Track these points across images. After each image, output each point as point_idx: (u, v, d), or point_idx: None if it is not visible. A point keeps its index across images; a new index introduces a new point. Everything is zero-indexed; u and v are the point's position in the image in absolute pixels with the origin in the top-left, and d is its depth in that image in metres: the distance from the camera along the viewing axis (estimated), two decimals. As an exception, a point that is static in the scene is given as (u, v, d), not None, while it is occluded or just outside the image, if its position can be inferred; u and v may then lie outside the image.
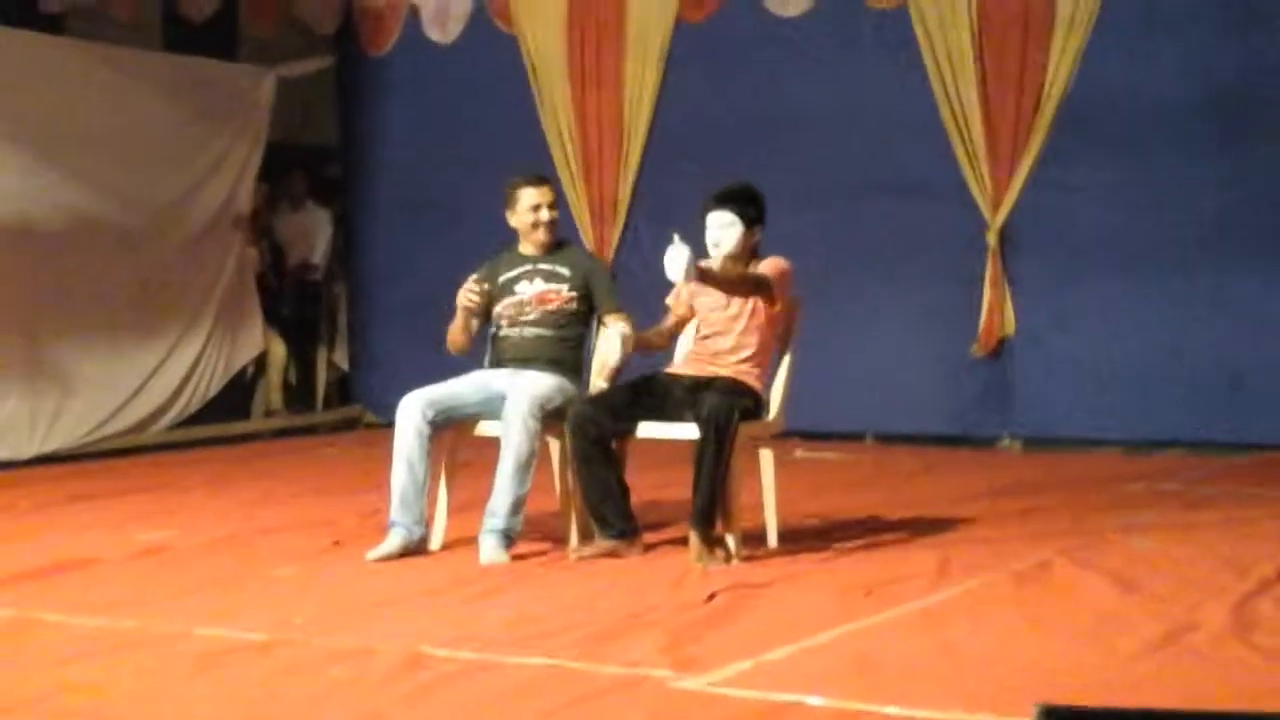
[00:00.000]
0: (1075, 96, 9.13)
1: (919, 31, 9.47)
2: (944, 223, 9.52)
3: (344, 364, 11.79)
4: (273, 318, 11.12)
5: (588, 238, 10.35)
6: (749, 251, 5.92)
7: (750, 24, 10.09)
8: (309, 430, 11.19)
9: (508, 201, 6.33)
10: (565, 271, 6.28)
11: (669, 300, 6.12)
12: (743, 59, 10.18)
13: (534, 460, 5.86)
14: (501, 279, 6.30)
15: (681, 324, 6.11)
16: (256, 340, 10.90)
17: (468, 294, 6.19)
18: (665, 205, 9.48)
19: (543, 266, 6.29)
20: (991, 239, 9.32)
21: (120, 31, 10.28)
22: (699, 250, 5.66)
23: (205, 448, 10.11)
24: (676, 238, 5.46)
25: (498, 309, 6.28)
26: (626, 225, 10.40)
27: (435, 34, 11.20)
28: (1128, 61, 9.04)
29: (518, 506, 5.83)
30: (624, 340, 5.81)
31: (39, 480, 8.54)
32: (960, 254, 9.45)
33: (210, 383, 10.54)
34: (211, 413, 10.57)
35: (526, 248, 6.34)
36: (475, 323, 6.30)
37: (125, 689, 4.05)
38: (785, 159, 9.87)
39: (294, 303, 11.38)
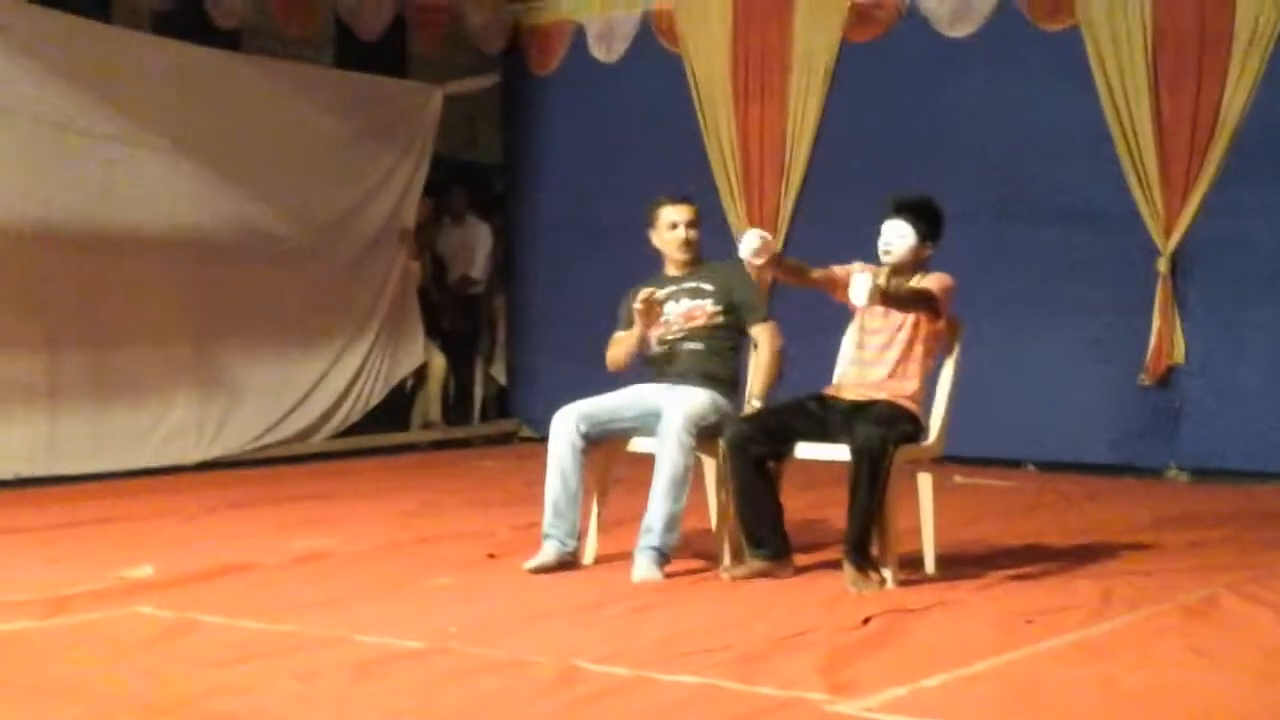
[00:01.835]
0: (1252, 119, 8.91)
1: (1090, 52, 9.32)
2: (1114, 248, 9.35)
3: (501, 378, 11.89)
4: (433, 331, 11.24)
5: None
6: (917, 264, 5.84)
7: (917, 44, 10.01)
8: (465, 443, 11.30)
9: (649, 220, 6.34)
10: (708, 287, 6.24)
11: (835, 268, 5.92)
12: (909, 80, 10.10)
13: (688, 477, 5.84)
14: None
15: (832, 280, 5.88)
16: (417, 352, 11.03)
17: (643, 301, 6.08)
18: (826, 225, 9.41)
19: (687, 285, 6.27)
20: (1162, 265, 9.12)
21: (293, 47, 10.51)
22: (870, 257, 5.62)
23: (364, 458, 10.25)
24: (859, 265, 5.51)
25: (649, 332, 6.27)
26: (786, 243, 10.35)
27: (600, 53, 11.28)
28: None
29: (672, 523, 5.81)
30: (763, 240, 5.52)
31: (203, 486, 8.72)
32: (1129, 280, 9.27)
33: (372, 393, 10.70)
34: (371, 423, 10.72)
35: (670, 268, 6.34)
36: (641, 338, 6.22)
37: (282, 693, 4.09)
38: (950, 180, 9.72)
39: (454, 316, 11.50)
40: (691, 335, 6.20)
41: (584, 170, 11.45)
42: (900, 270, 5.79)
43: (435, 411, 11.31)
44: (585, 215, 11.39)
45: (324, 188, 10.32)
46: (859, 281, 5.38)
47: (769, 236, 5.64)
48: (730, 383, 6.18)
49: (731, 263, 6.29)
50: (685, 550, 6.05)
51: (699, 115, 10.75)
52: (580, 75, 11.39)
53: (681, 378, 6.12)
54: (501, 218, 11.93)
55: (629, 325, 6.26)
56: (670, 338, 6.23)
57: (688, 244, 6.28)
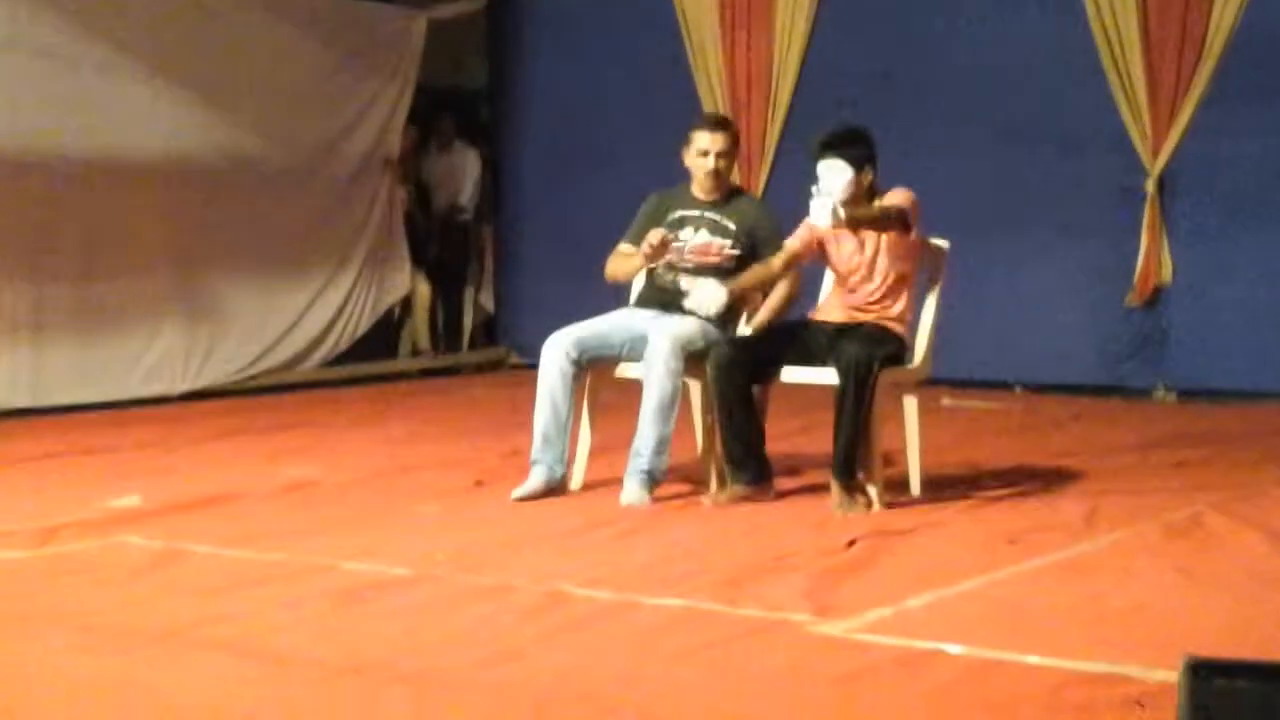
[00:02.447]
0: (1240, 38, 8.86)
1: (1078, -28, 9.25)
2: (1101, 169, 9.33)
3: (490, 305, 11.87)
4: (419, 259, 11.20)
5: (735, 180, 10.26)
6: (865, 193, 5.78)
7: (904, -33, 9.95)
8: (454, 370, 11.30)
9: (686, 139, 6.20)
10: (731, 225, 6.10)
11: (790, 241, 5.93)
12: (895, 5, 10.03)
13: (676, 401, 5.83)
14: (670, 217, 6.14)
15: (793, 259, 5.93)
16: (404, 281, 11.01)
17: (659, 242, 5.94)
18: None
19: (710, 216, 6.12)
20: (1150, 186, 9.10)
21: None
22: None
23: (352, 386, 10.25)
24: (815, 189, 5.44)
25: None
26: (773, 170, 10.31)
27: (586, -23, 11.19)
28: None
29: (662, 446, 5.81)
30: (835, 213, 5.45)
31: (190, 416, 8.72)
32: (1117, 201, 9.26)
33: (359, 322, 10.68)
34: (359, 352, 10.71)
35: (698, 190, 6.19)
36: (646, 269, 6.15)
37: (271, 620, 4.10)
38: (938, 105, 9.74)
39: (440, 244, 11.45)
40: (701, 270, 6.08)
41: (571, 96, 11.38)
42: (854, 202, 5.72)
43: (423, 339, 11.31)
44: (572, 142, 11.34)
45: (307, 115, 10.26)
46: (817, 205, 5.36)
47: (723, 298, 5.72)
48: (722, 314, 6.08)
49: (757, 201, 6.23)
50: (672, 475, 6.06)
51: (686, 41, 10.68)
52: (566, 1, 11.31)
53: (676, 307, 6.04)
54: (488, 145, 11.86)
55: (638, 238, 6.12)
56: (678, 265, 6.11)
57: (716, 174, 6.12)
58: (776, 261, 5.93)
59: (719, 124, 6.24)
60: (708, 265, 6.08)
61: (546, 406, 5.91)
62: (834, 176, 5.70)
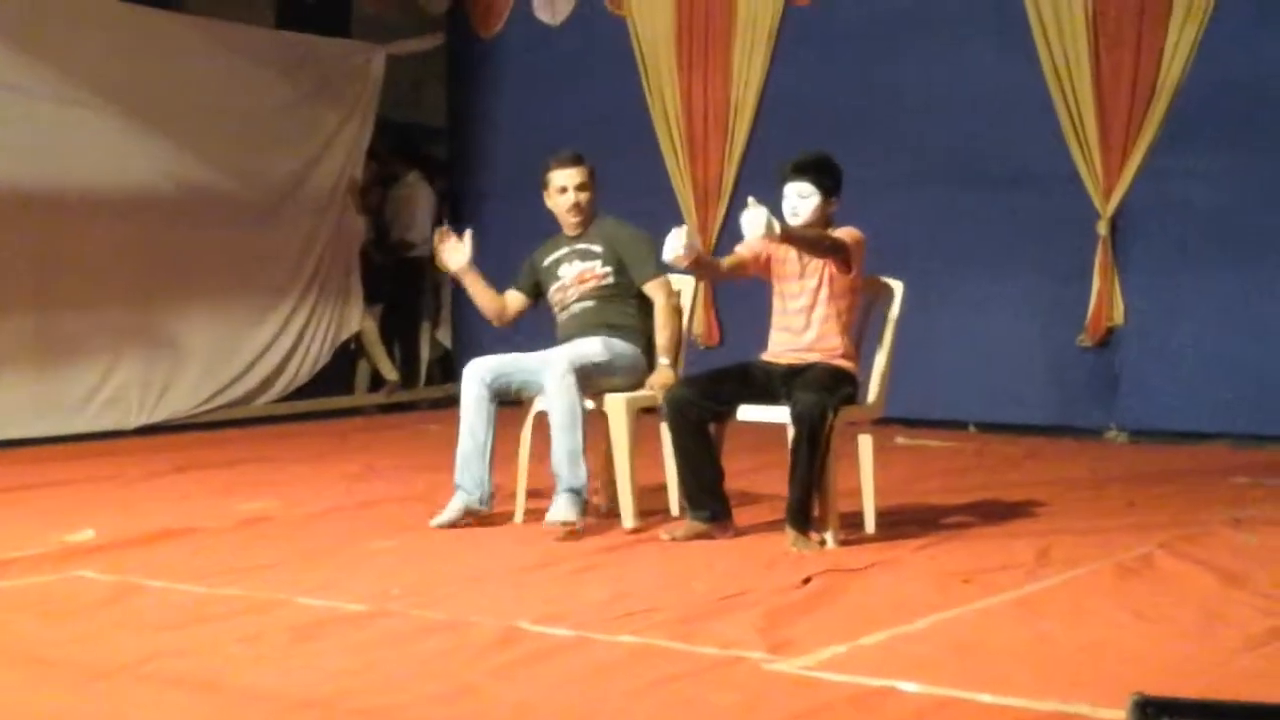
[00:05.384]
0: (1191, 85, 8.97)
1: (1032, 15, 9.34)
2: (1054, 210, 9.41)
3: (447, 341, 11.86)
4: (373, 295, 11.17)
5: (690, 218, 10.34)
6: (824, 221, 5.85)
7: (859, 8, 10.05)
8: (410, 406, 11.29)
9: (542, 183, 6.38)
10: (596, 248, 6.31)
11: (740, 247, 5.95)
12: (851, 43, 10.13)
13: (579, 414, 5.89)
14: (545, 262, 6.41)
15: (742, 265, 5.95)
16: (358, 317, 10.99)
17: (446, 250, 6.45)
18: (770, 189, 9.41)
19: (579, 246, 6.36)
20: (1102, 228, 9.19)
21: (235, 8, 10.43)
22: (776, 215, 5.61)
23: (308, 421, 10.24)
24: (751, 200, 5.47)
25: (549, 294, 6.37)
26: (730, 208, 10.36)
27: (544, 15, 11.26)
28: (1245, 50, 8.86)
29: (575, 458, 5.86)
30: (689, 248, 5.52)
31: (145, 450, 8.69)
32: (1069, 242, 9.33)
33: (318, 357, 10.67)
34: (316, 387, 10.69)
35: (565, 229, 6.41)
36: (480, 282, 6.51)
37: (225, 656, 4.10)
38: (893, 143, 9.81)
39: (393, 280, 11.41)
40: (585, 295, 6.30)
41: (529, 133, 11.40)
42: (812, 227, 5.78)
43: (389, 371, 11.25)
44: (531, 178, 11.27)
45: (267, 150, 10.27)
46: (752, 216, 5.38)
47: (696, 243, 5.69)
48: (630, 329, 6.23)
49: (620, 221, 6.34)
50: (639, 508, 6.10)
51: (643, 79, 10.75)
52: (525, 38, 11.37)
53: (580, 331, 6.21)
54: (446, 181, 11.88)
55: (518, 286, 6.53)
56: (568, 301, 6.32)
57: (576, 207, 6.33)
58: (725, 262, 6.00)
59: (573, 160, 6.40)
60: (589, 292, 6.28)
61: (466, 432, 6.05)
62: (801, 201, 5.75)
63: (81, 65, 9.12)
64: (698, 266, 5.76)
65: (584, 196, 6.32)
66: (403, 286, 11.46)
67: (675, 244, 5.49)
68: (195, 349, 9.85)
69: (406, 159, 11.48)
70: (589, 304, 6.28)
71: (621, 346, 6.14)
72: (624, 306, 6.28)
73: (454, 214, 11.82)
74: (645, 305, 6.32)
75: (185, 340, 9.81)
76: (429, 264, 11.59)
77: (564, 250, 6.38)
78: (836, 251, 5.75)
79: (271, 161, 10.31)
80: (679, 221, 5.81)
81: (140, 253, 9.53)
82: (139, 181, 9.49)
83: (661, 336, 6.18)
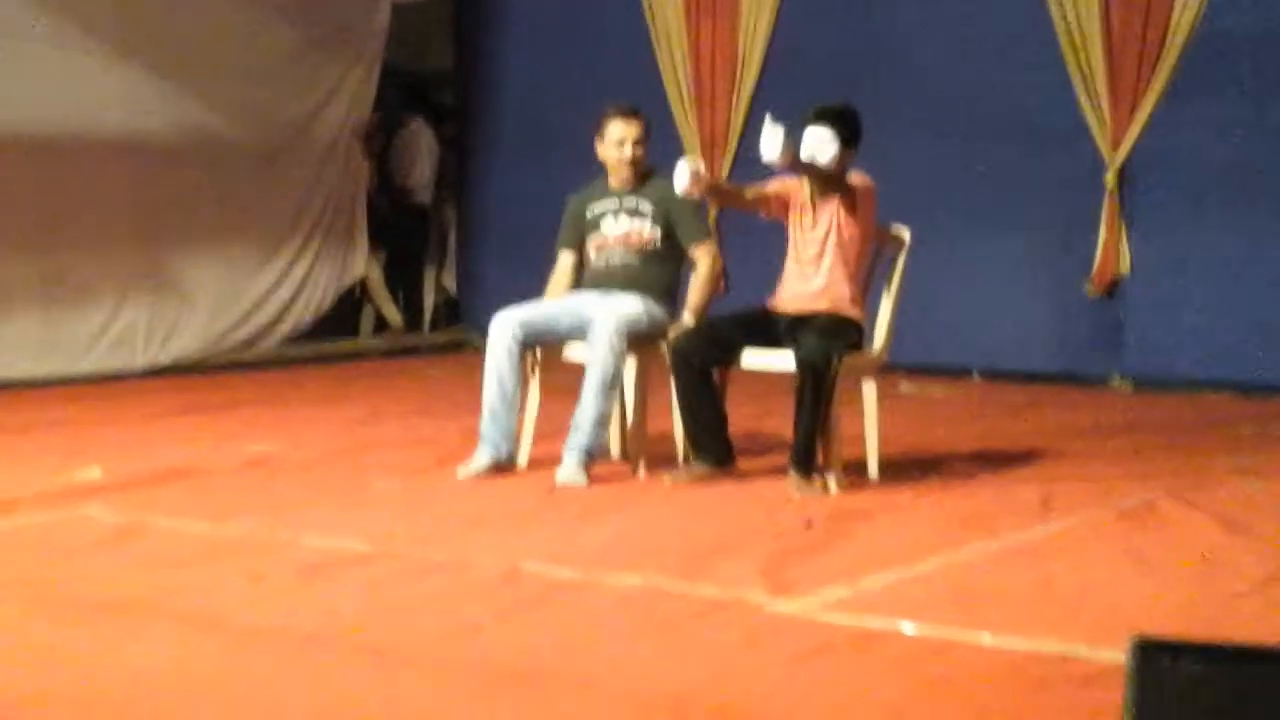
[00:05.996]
0: (1201, 35, 8.92)
1: (1041, -36, 9.30)
2: (1062, 160, 9.38)
3: (452, 287, 11.87)
4: (377, 241, 11.16)
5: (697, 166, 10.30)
6: (841, 171, 5.84)
7: (868, -45, 9.99)
8: (415, 351, 11.31)
9: (597, 132, 6.29)
10: (647, 207, 6.23)
11: (763, 185, 5.99)
12: (860, -6, 10.09)
13: (618, 378, 5.91)
14: (589, 213, 6.31)
15: (764, 199, 5.95)
16: (363, 262, 10.99)
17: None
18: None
19: (627, 203, 6.26)
20: (1109, 178, 9.17)
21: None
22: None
23: (314, 365, 10.24)
24: (769, 117, 5.44)
25: (587, 242, 6.31)
26: (737, 157, 10.34)
27: (552, -39, 11.19)
28: (1256, 0, 8.82)
29: (601, 422, 5.87)
30: (695, 174, 5.62)
31: (151, 391, 8.71)
32: (1077, 192, 9.31)
33: (323, 301, 10.67)
34: (321, 331, 10.71)
35: (614, 181, 6.31)
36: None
37: (231, 594, 4.13)
38: (901, 91, 9.77)
39: (396, 226, 11.39)
40: (629, 252, 6.23)
41: (536, 80, 11.39)
42: (825, 176, 5.77)
43: (394, 317, 11.25)
44: (537, 126, 11.34)
45: (274, 95, 10.24)
46: (770, 136, 5.38)
47: (701, 168, 5.66)
48: (665, 291, 6.21)
49: (669, 181, 6.30)
50: (631, 455, 6.11)
51: (651, 28, 10.70)
52: (531, -16, 11.33)
53: (617, 287, 6.16)
54: (453, 128, 11.86)
55: (569, 243, 6.35)
56: (609, 253, 6.26)
57: (633, 162, 6.24)
58: (748, 191, 6.00)
59: (633, 113, 6.30)
60: (633, 249, 6.21)
61: (494, 384, 5.97)
62: (820, 146, 5.72)
63: (87, 10, 9.09)
64: (713, 192, 5.76)
65: (640, 151, 6.25)
66: (406, 232, 11.47)
67: (774, 140, 5.45)
68: (201, 292, 9.86)
69: (411, 105, 11.45)
70: (632, 262, 6.20)
71: (659, 313, 6.08)
72: (664, 269, 6.23)
73: (460, 161, 11.82)
74: (678, 267, 6.30)
75: (191, 283, 9.82)
76: (432, 209, 11.63)
77: (610, 204, 6.28)
78: (844, 192, 5.75)
79: (277, 107, 10.29)
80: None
81: (146, 196, 9.52)
82: (145, 126, 9.47)
83: (695, 296, 6.13)
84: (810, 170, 5.67)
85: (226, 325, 10.01)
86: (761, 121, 5.49)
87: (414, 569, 4.40)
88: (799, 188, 5.89)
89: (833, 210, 5.83)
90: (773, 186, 5.95)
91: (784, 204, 5.95)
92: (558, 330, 6.10)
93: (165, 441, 6.82)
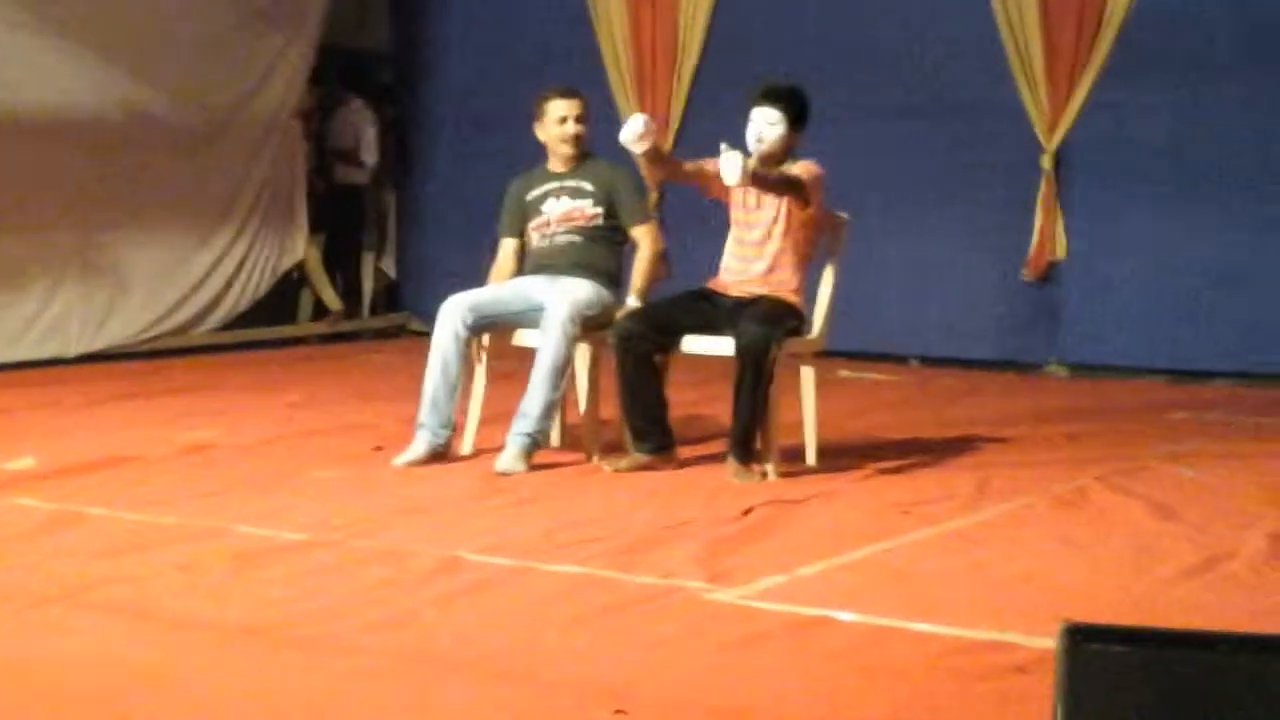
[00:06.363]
0: (1138, 14, 8.97)
1: (978, -53, 9.33)
2: (998, 144, 9.43)
3: (391, 271, 11.81)
4: (317, 224, 11.07)
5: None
6: (786, 152, 5.87)
7: (807, -62, 9.99)
8: (354, 336, 11.25)
9: (536, 114, 6.27)
10: (589, 187, 6.23)
11: (704, 161, 5.95)
12: (799, -27, 10.09)
13: (569, 367, 5.90)
14: (529, 196, 6.29)
15: (702, 174, 5.92)
16: (301, 244, 10.90)
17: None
18: (717, 121, 9.41)
19: (568, 183, 6.25)
20: (1046, 162, 9.22)
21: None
22: (741, 146, 5.62)
23: (251, 351, 10.17)
24: (725, 145, 5.46)
25: (529, 226, 6.28)
26: (678, 139, 10.33)
27: (491, -59, 11.14)
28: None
29: (549, 410, 5.86)
30: (646, 122, 5.57)
31: (86, 378, 8.61)
32: (1013, 176, 9.36)
33: (259, 284, 10.58)
34: (258, 316, 10.63)
35: (554, 163, 6.29)
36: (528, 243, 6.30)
37: (165, 583, 4.10)
38: (838, 75, 9.77)
39: (335, 209, 11.27)
40: (571, 231, 6.22)
41: (476, 61, 11.33)
42: (770, 157, 5.81)
43: (332, 301, 11.17)
44: (476, 106, 11.29)
45: (210, 74, 10.13)
46: (729, 160, 5.39)
47: (653, 123, 5.64)
48: (610, 275, 6.21)
49: (614, 164, 6.31)
50: (571, 443, 6.11)
51: (591, 8, 10.67)
52: (472, -37, 11.28)
53: (562, 270, 6.14)
54: (391, 108, 11.78)
55: (510, 231, 6.33)
56: (551, 233, 6.24)
57: (576, 139, 6.24)
58: (688, 164, 6.00)
59: (574, 91, 6.31)
60: (575, 229, 6.20)
61: (437, 370, 5.94)
62: (768, 128, 5.75)
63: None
64: (655, 157, 5.75)
65: (582, 129, 6.25)
66: (345, 215, 11.36)
67: (635, 127, 5.47)
68: (136, 276, 9.75)
69: (351, 86, 11.36)
70: (575, 239, 6.19)
71: (608, 297, 6.07)
72: (607, 249, 6.23)
73: (400, 141, 11.75)
74: (621, 248, 6.30)
75: (126, 267, 9.71)
76: (371, 193, 11.55)
77: (551, 185, 6.27)
78: (796, 190, 5.76)
79: (214, 86, 10.18)
80: (627, 155, 5.78)
81: (79, 178, 9.40)
82: (78, 104, 9.35)
83: (639, 280, 6.11)
84: (758, 183, 5.66)
85: (162, 310, 9.91)
86: (701, 113, 5.50)
87: (352, 558, 4.38)
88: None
89: (777, 198, 5.83)
90: (714, 165, 5.95)
91: (722, 185, 5.95)
92: (507, 316, 6.08)
93: (100, 429, 6.76)
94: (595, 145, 6.37)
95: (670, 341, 5.83)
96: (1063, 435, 6.84)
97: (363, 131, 11.22)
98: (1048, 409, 7.72)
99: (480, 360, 6.13)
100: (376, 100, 11.56)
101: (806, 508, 5.16)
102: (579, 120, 6.23)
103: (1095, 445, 6.57)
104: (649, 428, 5.80)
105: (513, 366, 6.29)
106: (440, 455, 5.92)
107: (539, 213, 6.26)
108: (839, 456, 6.06)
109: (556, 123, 6.22)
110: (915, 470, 5.91)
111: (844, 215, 6.14)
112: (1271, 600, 4.03)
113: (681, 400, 6.24)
